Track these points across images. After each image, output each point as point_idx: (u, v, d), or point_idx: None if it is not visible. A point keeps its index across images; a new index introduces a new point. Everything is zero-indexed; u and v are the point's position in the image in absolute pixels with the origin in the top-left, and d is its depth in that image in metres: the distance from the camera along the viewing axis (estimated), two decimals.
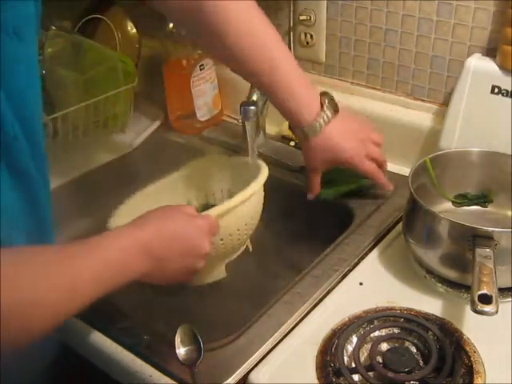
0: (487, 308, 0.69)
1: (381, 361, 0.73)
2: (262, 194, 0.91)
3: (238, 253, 0.92)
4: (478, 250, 0.77)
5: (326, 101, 0.93)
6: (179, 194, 1.02)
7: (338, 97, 1.19)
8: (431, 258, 0.84)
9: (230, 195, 0.98)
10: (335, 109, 0.94)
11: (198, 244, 0.75)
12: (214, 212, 0.82)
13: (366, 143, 0.97)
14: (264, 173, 0.89)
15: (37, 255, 0.61)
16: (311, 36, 1.21)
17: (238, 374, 0.74)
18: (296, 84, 0.91)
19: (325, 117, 0.92)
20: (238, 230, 0.86)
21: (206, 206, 1.00)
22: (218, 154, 1.14)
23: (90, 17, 1.32)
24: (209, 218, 0.79)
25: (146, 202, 0.91)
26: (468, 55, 1.02)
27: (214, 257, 0.83)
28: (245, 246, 0.94)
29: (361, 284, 0.87)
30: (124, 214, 0.91)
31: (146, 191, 0.98)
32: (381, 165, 1.00)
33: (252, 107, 0.95)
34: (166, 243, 0.72)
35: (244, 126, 0.97)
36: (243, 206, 0.85)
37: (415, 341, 0.76)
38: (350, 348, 0.75)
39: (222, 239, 0.84)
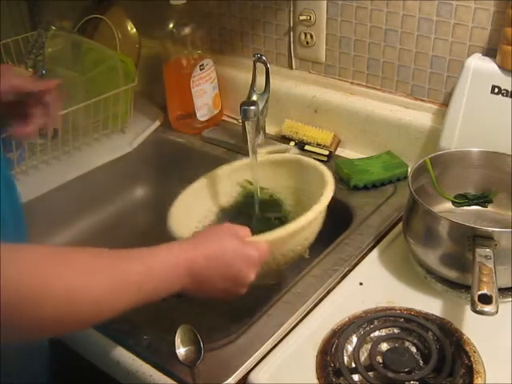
0: (487, 308, 0.69)
1: (381, 361, 0.73)
2: (323, 215, 0.88)
3: (291, 262, 0.90)
4: (478, 250, 0.77)
5: None
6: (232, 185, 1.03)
7: (338, 97, 1.20)
8: (431, 257, 0.84)
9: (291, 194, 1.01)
10: None
11: (243, 274, 0.75)
12: (267, 237, 0.80)
13: None
14: (328, 193, 0.87)
15: (88, 252, 0.63)
16: (311, 36, 1.21)
17: (238, 374, 0.74)
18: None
19: None
20: (293, 250, 0.85)
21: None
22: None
23: (90, 17, 1.32)
24: (260, 247, 0.77)
25: (201, 192, 0.99)
26: (468, 55, 1.02)
27: (266, 268, 0.81)
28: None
29: (361, 284, 0.87)
30: (182, 204, 0.95)
31: (202, 181, 1.00)
32: None
33: (252, 107, 0.94)
34: (211, 267, 0.73)
35: (244, 125, 0.96)
36: (300, 231, 0.84)
37: (415, 341, 0.76)
38: (350, 348, 0.75)
39: (273, 258, 0.83)
